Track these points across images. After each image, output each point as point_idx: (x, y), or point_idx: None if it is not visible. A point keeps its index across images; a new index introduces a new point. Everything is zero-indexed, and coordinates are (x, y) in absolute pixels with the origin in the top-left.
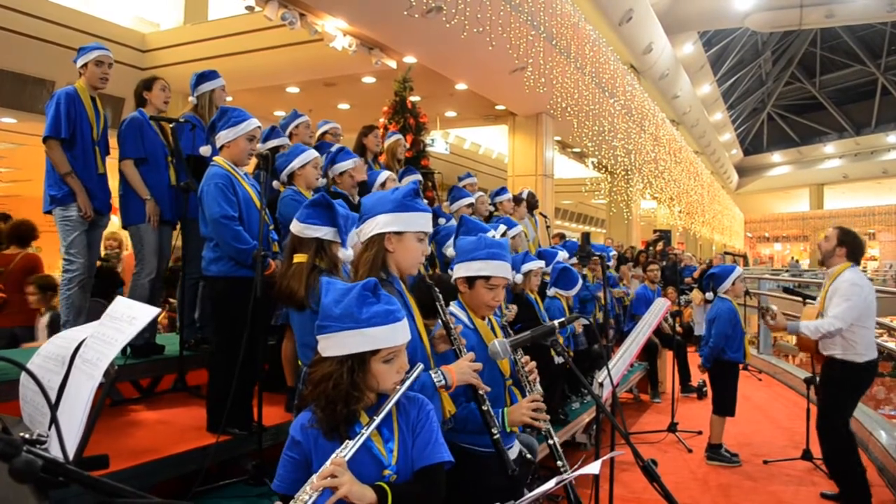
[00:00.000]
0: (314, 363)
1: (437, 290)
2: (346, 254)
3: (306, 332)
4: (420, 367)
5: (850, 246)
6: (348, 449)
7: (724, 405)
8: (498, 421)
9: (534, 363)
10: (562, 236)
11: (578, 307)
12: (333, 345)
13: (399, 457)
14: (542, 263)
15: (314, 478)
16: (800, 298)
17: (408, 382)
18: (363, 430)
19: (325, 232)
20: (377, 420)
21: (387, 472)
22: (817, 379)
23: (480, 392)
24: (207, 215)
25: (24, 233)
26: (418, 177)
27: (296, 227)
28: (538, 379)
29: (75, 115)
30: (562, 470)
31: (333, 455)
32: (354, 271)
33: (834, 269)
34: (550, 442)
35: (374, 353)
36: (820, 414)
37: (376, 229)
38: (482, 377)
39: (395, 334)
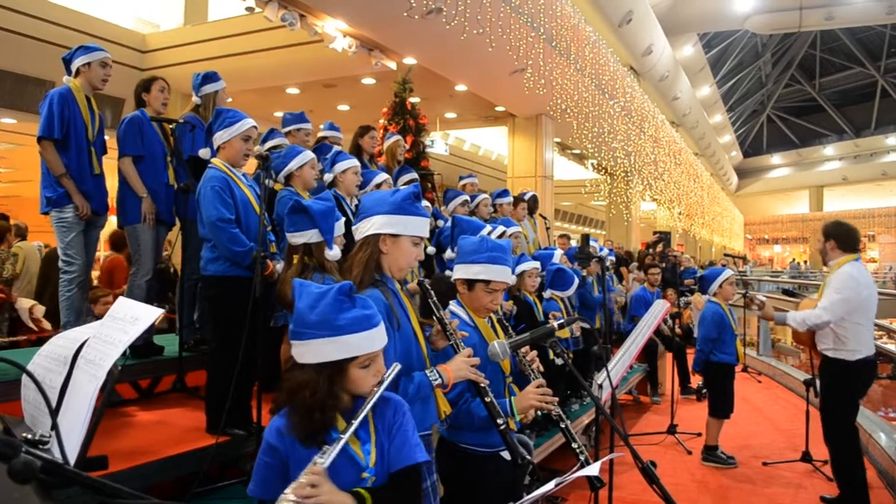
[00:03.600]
0: (289, 369)
1: (428, 287)
2: (331, 254)
3: None
4: (397, 367)
5: (838, 237)
6: (327, 456)
7: (719, 407)
8: (507, 410)
9: (535, 352)
10: (567, 237)
11: (579, 307)
12: (309, 352)
13: (377, 459)
14: (536, 264)
15: (292, 487)
16: (798, 300)
17: (384, 385)
18: (341, 436)
19: (309, 235)
20: (354, 425)
21: (365, 474)
22: (817, 382)
23: (481, 385)
24: (204, 218)
25: (121, 239)
26: (414, 175)
27: (287, 236)
28: (540, 367)
29: (69, 115)
30: (578, 451)
31: (311, 463)
32: (348, 271)
33: (833, 263)
34: (563, 425)
35: (352, 359)
36: (822, 414)
37: (372, 230)
38: (484, 375)
39: (373, 340)
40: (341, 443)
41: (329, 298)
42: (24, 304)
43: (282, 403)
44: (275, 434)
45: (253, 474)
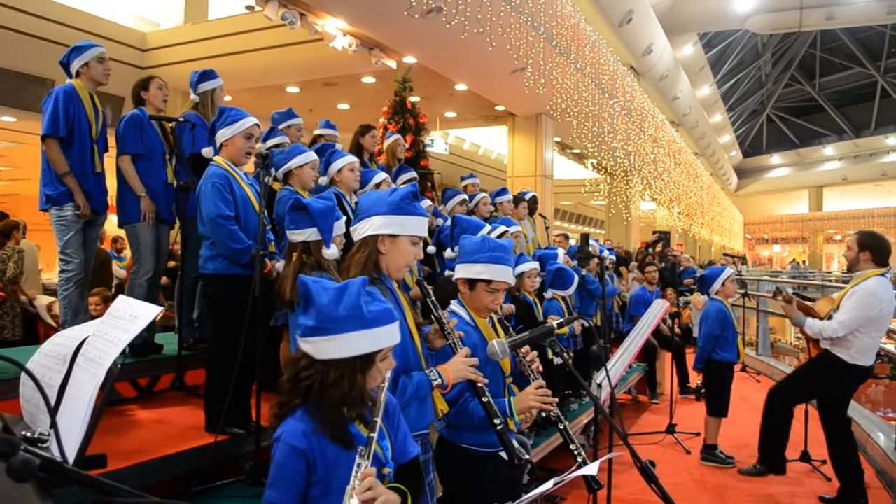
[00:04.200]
0: (306, 368)
1: (426, 286)
2: (328, 252)
3: None
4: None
5: (874, 249)
6: (368, 457)
7: (718, 406)
8: (506, 410)
9: (535, 353)
10: (566, 237)
11: (579, 305)
12: (338, 347)
13: (392, 453)
14: (535, 265)
15: (351, 493)
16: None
17: (388, 376)
18: (373, 434)
19: (308, 234)
20: (379, 420)
21: (386, 469)
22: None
23: (479, 385)
24: (204, 214)
25: None
26: (413, 174)
27: (287, 233)
28: (540, 367)
29: (74, 113)
30: (575, 453)
31: (356, 465)
32: (346, 271)
33: (860, 273)
34: (561, 427)
35: (377, 352)
36: (782, 387)
37: (371, 230)
38: (484, 375)
39: (395, 332)
40: (374, 440)
41: (354, 293)
42: (43, 301)
43: (298, 404)
44: (300, 437)
45: (275, 482)
